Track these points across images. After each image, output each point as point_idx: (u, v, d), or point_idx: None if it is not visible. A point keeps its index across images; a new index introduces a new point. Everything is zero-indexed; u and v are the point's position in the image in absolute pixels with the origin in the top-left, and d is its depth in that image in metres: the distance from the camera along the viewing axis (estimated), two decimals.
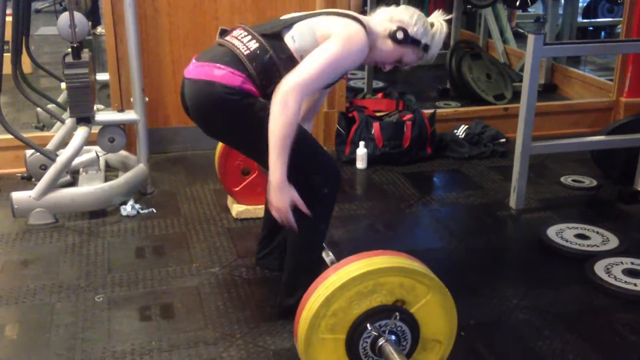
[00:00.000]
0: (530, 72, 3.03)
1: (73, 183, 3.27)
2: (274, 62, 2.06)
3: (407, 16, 2.17)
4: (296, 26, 2.11)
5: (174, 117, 3.94)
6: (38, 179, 3.09)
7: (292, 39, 2.09)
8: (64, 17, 3.13)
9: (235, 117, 2.07)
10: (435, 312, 1.82)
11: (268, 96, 2.04)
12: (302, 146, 2.06)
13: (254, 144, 2.11)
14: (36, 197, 2.98)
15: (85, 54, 3.13)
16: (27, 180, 3.24)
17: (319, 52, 2.01)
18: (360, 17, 2.14)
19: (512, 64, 5.59)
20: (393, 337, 1.78)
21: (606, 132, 3.49)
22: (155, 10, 3.78)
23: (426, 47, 2.19)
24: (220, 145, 2.97)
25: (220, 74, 2.04)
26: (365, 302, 1.76)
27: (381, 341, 1.76)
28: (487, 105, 4.62)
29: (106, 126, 3.24)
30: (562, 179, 3.61)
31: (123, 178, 3.23)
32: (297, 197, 2.05)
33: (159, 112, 3.89)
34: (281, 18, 2.18)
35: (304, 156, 2.10)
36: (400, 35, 2.14)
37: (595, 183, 3.54)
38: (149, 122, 3.39)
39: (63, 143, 3.28)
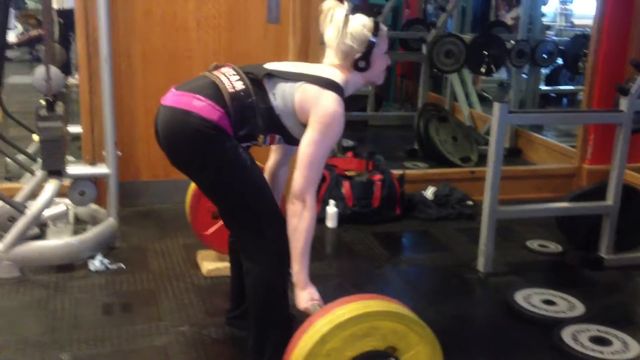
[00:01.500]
0: (495, 139, 3.12)
1: (41, 236, 3.22)
2: (253, 107, 2.09)
3: (349, 42, 2.15)
4: (278, 86, 2.13)
5: (145, 170, 3.94)
6: (5, 231, 3.04)
7: (273, 96, 2.12)
8: (40, 70, 3.14)
9: (204, 151, 2.08)
10: None
11: (239, 138, 2.10)
12: (256, 199, 2.13)
13: (214, 184, 2.15)
14: (3, 250, 2.93)
15: (59, 107, 3.13)
16: None
17: (309, 149, 2.06)
18: (337, 75, 2.16)
19: (478, 126, 5.74)
20: None
21: (570, 199, 3.59)
22: (129, 65, 3.82)
23: (372, 44, 2.18)
24: (192, 186, 2.95)
25: (199, 105, 2.05)
26: (359, 344, 1.76)
27: None
28: (454, 168, 4.72)
29: (77, 179, 3.22)
30: (528, 243, 3.68)
31: (92, 232, 3.20)
32: (317, 294, 2.10)
33: (130, 165, 3.88)
34: (264, 66, 2.20)
35: (257, 211, 2.15)
36: (362, 64, 2.17)
37: (560, 248, 3.62)
38: (119, 175, 3.38)
39: (32, 195, 3.25)
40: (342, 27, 2.15)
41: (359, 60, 2.16)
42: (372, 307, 1.79)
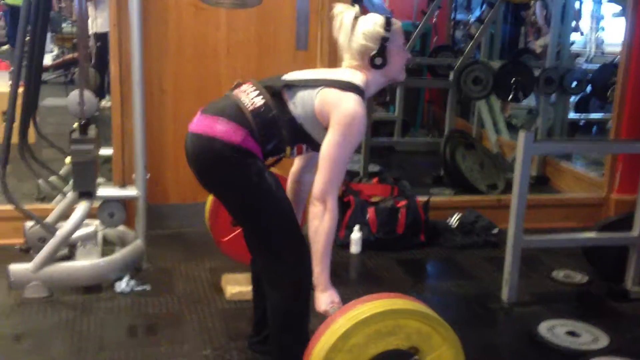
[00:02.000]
0: (521, 168, 3.12)
1: (70, 256, 3.29)
2: (276, 120, 2.12)
3: (362, 41, 2.15)
4: (298, 94, 2.15)
5: (173, 194, 4.00)
6: (36, 252, 3.11)
7: (294, 105, 2.14)
8: (74, 94, 3.22)
9: (229, 175, 2.12)
10: None
11: (267, 153, 2.14)
12: (279, 225, 2.16)
13: (240, 207, 2.19)
14: (33, 270, 3.00)
15: (92, 131, 3.21)
16: (25, 252, 3.26)
17: (330, 150, 2.06)
18: (356, 77, 2.16)
19: (505, 154, 5.72)
20: None
21: (597, 229, 3.56)
22: (161, 90, 3.89)
23: (386, 39, 2.16)
24: (208, 203, 2.97)
25: (222, 129, 2.08)
26: (382, 342, 1.76)
27: None
28: (480, 195, 4.71)
29: (107, 201, 3.29)
30: (553, 273, 3.65)
31: (120, 254, 3.25)
32: (338, 297, 2.10)
33: (159, 188, 3.94)
34: (283, 77, 2.22)
35: (280, 237, 2.18)
36: (379, 60, 2.16)
37: (586, 279, 3.59)
38: (148, 198, 3.44)
39: (63, 216, 3.32)
40: (353, 28, 2.16)
41: (376, 57, 2.15)
42: (397, 305, 1.78)
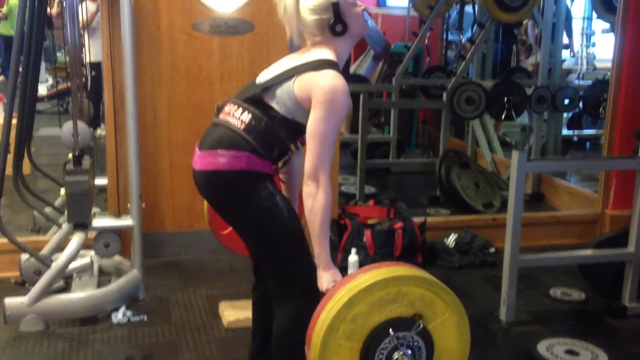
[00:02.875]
0: (515, 188, 3.13)
1: (66, 288, 3.28)
2: (270, 127, 2.11)
3: (314, 15, 2.11)
4: (277, 93, 2.13)
5: (169, 221, 4.00)
6: (32, 284, 3.10)
7: (278, 104, 2.13)
8: (68, 125, 3.24)
9: (242, 202, 2.13)
10: (451, 333, 1.81)
11: (275, 159, 2.15)
12: (291, 247, 2.14)
13: (253, 232, 2.18)
14: (29, 304, 2.99)
15: (86, 161, 3.22)
16: (21, 286, 3.25)
17: (315, 127, 2.04)
18: (325, 53, 2.13)
19: (500, 172, 5.73)
20: (409, 352, 1.76)
21: (593, 246, 3.56)
22: (154, 118, 3.91)
23: (336, 4, 2.11)
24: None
25: (224, 161, 2.09)
26: (386, 310, 1.76)
27: (397, 354, 1.74)
28: (476, 215, 4.72)
29: (102, 231, 3.29)
30: (551, 292, 3.65)
31: (116, 284, 3.25)
32: (340, 276, 2.07)
33: (155, 217, 3.94)
34: (256, 82, 2.20)
35: (291, 259, 2.16)
36: (339, 27, 2.12)
37: (583, 296, 3.58)
38: (143, 227, 3.44)
39: (58, 247, 3.32)
40: (297, 8, 2.12)
41: (335, 26, 2.11)
42: (399, 272, 1.78)
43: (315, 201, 2.03)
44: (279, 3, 2.17)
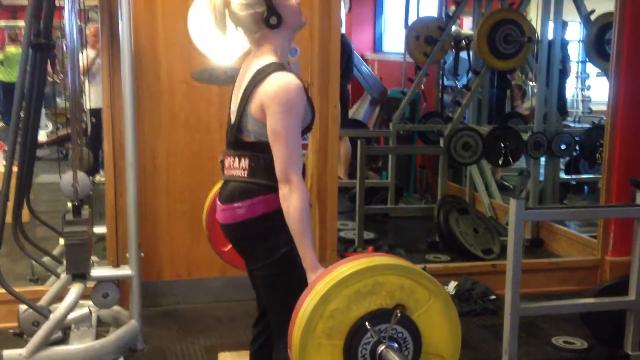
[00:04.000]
0: (513, 236, 3.13)
1: (64, 339, 3.25)
2: (267, 159, 2.09)
3: (247, 10, 2.10)
4: (247, 127, 2.13)
5: (167, 270, 3.99)
6: (30, 336, 3.07)
7: (255, 136, 2.12)
8: (67, 176, 3.25)
9: (261, 246, 2.15)
10: (438, 322, 1.76)
11: None
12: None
13: (266, 274, 2.17)
14: (27, 356, 2.95)
15: (85, 211, 3.22)
16: (19, 337, 3.22)
17: (274, 128, 2.04)
18: (265, 57, 2.12)
19: (499, 217, 5.73)
20: (395, 345, 1.71)
21: (593, 294, 3.55)
22: (154, 165, 3.93)
23: None
24: (208, 198, 2.79)
25: (242, 212, 2.13)
26: (364, 303, 1.70)
27: (381, 348, 1.69)
28: (476, 261, 4.70)
29: (101, 282, 3.27)
30: (553, 340, 3.62)
31: (114, 335, 3.22)
32: None
33: (153, 265, 3.93)
34: (231, 119, 2.20)
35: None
36: (273, 20, 2.10)
37: (586, 345, 3.56)
38: (142, 275, 3.43)
39: (57, 297, 3.29)
40: (227, 6, 2.11)
41: (269, 18, 2.09)
42: (374, 262, 1.71)
43: (289, 203, 2.02)
44: (209, 6, 2.14)
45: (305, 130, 2.15)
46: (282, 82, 2.05)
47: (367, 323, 1.70)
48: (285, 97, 2.04)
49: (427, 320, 1.76)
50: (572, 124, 8.14)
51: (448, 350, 1.81)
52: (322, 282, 1.73)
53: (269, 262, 2.15)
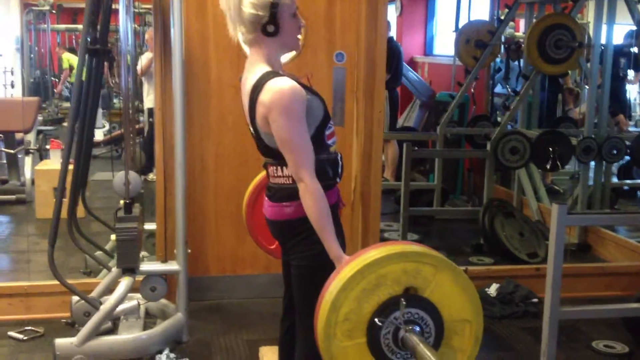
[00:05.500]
0: (555, 241, 3.12)
1: (113, 330, 3.41)
2: None
3: (252, 10, 2.15)
4: (266, 140, 2.21)
5: (214, 266, 4.12)
6: (81, 325, 3.23)
7: (275, 144, 2.18)
8: (120, 175, 3.41)
9: (300, 244, 2.24)
10: (451, 290, 1.77)
11: (333, 176, 2.28)
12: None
13: (300, 274, 2.27)
14: (78, 344, 3.11)
15: (136, 209, 3.37)
16: (71, 326, 3.39)
17: (280, 135, 2.12)
18: (259, 67, 2.18)
19: (547, 221, 5.67)
20: (417, 328, 1.74)
21: (636, 299, 3.52)
22: (202, 167, 4.06)
23: (275, 4, 2.15)
24: (247, 193, 2.91)
25: (291, 211, 2.23)
26: (374, 297, 1.73)
27: (402, 333, 1.72)
28: (520, 264, 4.69)
29: (149, 276, 3.41)
30: (593, 344, 3.60)
31: (161, 327, 3.36)
32: None
33: (199, 261, 4.06)
34: (252, 132, 2.29)
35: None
36: (271, 28, 2.17)
37: (627, 349, 3.53)
38: (188, 270, 3.56)
39: (108, 290, 3.45)
40: (239, 1, 2.16)
41: (267, 25, 2.16)
42: (370, 258, 1.74)
43: (305, 201, 2.12)
44: (225, 2, 2.22)
45: (323, 123, 2.23)
46: (275, 89, 2.12)
47: (376, 319, 1.75)
48: (280, 103, 2.10)
49: (440, 293, 1.79)
50: (632, 129, 7.96)
51: (470, 313, 1.84)
52: (331, 286, 1.78)
53: (305, 255, 2.24)
